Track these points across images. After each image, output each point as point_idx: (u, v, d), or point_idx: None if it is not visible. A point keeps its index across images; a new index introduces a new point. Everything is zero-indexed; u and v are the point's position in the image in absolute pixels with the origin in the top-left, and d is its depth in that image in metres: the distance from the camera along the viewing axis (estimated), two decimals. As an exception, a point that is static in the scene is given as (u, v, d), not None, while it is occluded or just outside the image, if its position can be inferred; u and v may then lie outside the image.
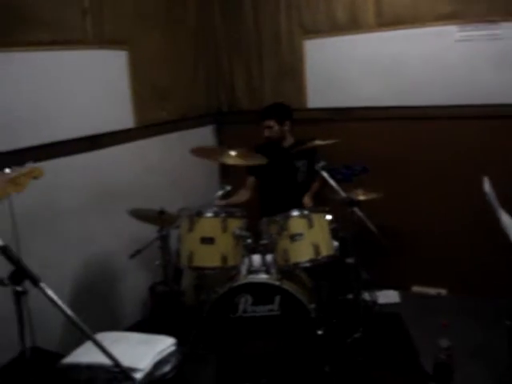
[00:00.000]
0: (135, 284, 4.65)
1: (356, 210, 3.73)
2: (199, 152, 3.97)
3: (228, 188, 3.89)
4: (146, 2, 4.71)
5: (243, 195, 4.69)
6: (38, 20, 3.73)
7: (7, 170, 2.39)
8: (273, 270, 3.62)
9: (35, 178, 2.52)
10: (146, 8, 4.71)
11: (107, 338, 1.73)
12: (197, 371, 3.15)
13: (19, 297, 1.76)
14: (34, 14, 3.71)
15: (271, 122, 4.51)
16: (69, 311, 1.71)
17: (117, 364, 1.70)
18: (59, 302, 1.70)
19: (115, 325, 4.38)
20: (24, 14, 3.65)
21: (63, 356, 3.04)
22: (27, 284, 1.82)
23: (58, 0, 3.89)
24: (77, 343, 3.13)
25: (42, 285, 1.69)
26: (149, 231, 4.04)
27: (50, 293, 1.70)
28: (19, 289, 1.72)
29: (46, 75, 3.80)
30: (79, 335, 3.63)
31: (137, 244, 4.14)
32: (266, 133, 4.54)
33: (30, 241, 3.55)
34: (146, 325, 4.53)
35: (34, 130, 3.70)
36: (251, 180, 4.76)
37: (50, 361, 3.13)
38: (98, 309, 4.21)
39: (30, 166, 2.49)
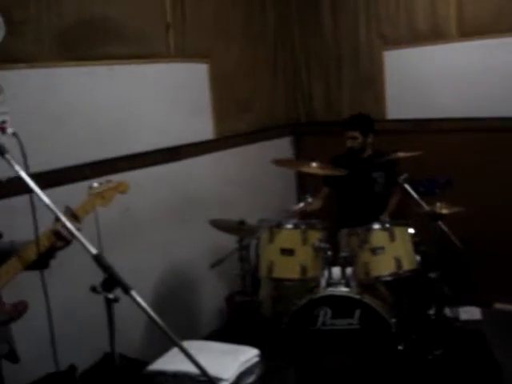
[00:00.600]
0: (212, 293, 4.69)
1: (440, 223, 3.64)
2: (280, 162, 3.98)
3: (309, 200, 3.87)
4: (226, 15, 4.78)
5: (315, 204, 4.66)
6: (121, 34, 3.85)
7: (95, 184, 2.47)
8: (353, 283, 3.57)
9: (121, 192, 2.60)
10: (226, 21, 4.78)
11: (191, 346, 1.74)
12: (276, 383, 3.14)
13: (110, 304, 1.79)
14: (118, 29, 3.83)
15: (356, 133, 4.47)
16: (158, 319, 1.73)
17: (204, 373, 1.71)
18: (149, 310, 1.73)
19: (192, 333, 4.41)
20: (108, 29, 3.78)
21: (146, 363, 3.11)
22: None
23: (142, 15, 4.01)
24: (155, 351, 3.20)
25: (133, 293, 1.72)
26: (227, 241, 4.07)
27: (140, 301, 1.72)
28: (111, 296, 1.75)
29: (129, 88, 3.91)
30: (158, 344, 3.70)
31: (215, 254, 4.19)
32: (349, 143, 4.50)
33: (112, 250, 3.63)
34: (223, 334, 4.55)
35: (116, 142, 3.81)
36: (325, 190, 4.74)
37: (133, 367, 3.20)
38: (176, 317, 4.26)
39: (117, 181, 2.57)
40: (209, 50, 4.58)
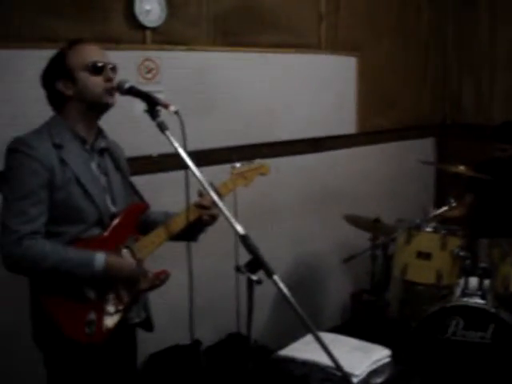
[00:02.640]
0: (338, 288, 4.67)
1: None
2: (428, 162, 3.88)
3: (453, 204, 3.74)
4: (379, 10, 4.72)
5: (458, 211, 4.48)
6: (275, 23, 3.93)
7: (237, 165, 2.51)
8: (489, 296, 3.41)
9: (262, 174, 2.62)
10: (378, 16, 4.72)
11: (324, 337, 1.73)
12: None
13: (252, 285, 1.82)
14: (272, 18, 3.91)
15: (506, 146, 4.23)
16: (297, 306, 1.74)
17: (337, 365, 1.69)
18: (290, 296, 1.74)
19: (316, 325, 4.42)
20: (262, 17, 3.86)
21: (269, 348, 3.14)
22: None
23: (297, 5, 4.06)
24: (277, 337, 3.21)
25: (276, 277, 1.74)
26: (359, 238, 4.03)
27: (282, 286, 1.73)
28: (254, 278, 1.78)
29: (279, 77, 3.97)
30: (280, 330, 3.73)
31: (346, 249, 4.15)
32: (497, 153, 4.27)
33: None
34: (346, 331, 4.51)
35: (262, 129, 3.88)
36: (469, 197, 4.54)
37: (259, 351, 3.27)
38: (301, 307, 4.28)
39: (258, 162, 2.59)
40: (359, 43, 4.54)
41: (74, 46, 2.18)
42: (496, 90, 5.22)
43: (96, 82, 2.14)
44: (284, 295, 1.73)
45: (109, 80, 2.16)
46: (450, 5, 5.40)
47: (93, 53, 2.18)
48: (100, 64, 2.15)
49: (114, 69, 2.21)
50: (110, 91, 2.16)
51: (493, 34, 5.19)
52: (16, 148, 2.07)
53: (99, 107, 2.18)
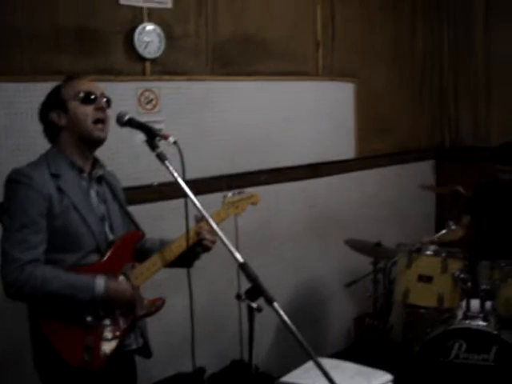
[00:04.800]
0: (341, 313, 4.67)
1: None
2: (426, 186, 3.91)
3: (453, 227, 3.76)
4: (375, 36, 4.80)
5: (456, 233, 4.49)
6: (273, 52, 4.00)
7: (229, 194, 2.56)
8: (491, 318, 3.41)
9: (253, 203, 2.66)
10: (374, 43, 4.80)
11: (326, 363, 1.74)
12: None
13: (252, 313, 1.83)
14: (270, 46, 3.98)
15: (508, 167, 4.25)
16: (298, 333, 1.75)
17: (339, 391, 1.70)
18: (290, 323, 1.75)
19: (319, 351, 4.41)
20: (261, 46, 3.93)
21: (271, 376, 3.14)
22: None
23: (294, 34, 4.14)
24: (279, 364, 3.20)
25: (276, 304, 1.75)
26: (361, 262, 4.04)
27: (282, 313, 1.75)
28: (254, 305, 1.79)
29: (278, 104, 4.02)
30: (283, 357, 3.72)
31: (348, 273, 4.17)
32: (503, 176, 4.28)
33: (248, 260, 3.73)
34: (349, 355, 4.50)
35: (261, 155, 3.92)
36: (467, 219, 4.55)
37: (261, 378, 3.26)
38: (303, 333, 4.28)
39: (249, 192, 2.64)
40: (356, 70, 4.61)
41: (69, 80, 2.25)
42: (493, 112, 5.26)
43: (86, 111, 2.19)
44: (284, 322, 1.74)
45: (99, 109, 2.21)
46: (445, 29, 5.48)
47: (86, 85, 2.24)
48: (91, 94, 2.21)
49: (108, 102, 2.26)
50: (101, 123, 2.21)
51: (488, 57, 5.25)
52: (15, 179, 2.12)
53: (90, 141, 2.22)
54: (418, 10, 5.21)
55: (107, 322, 2.17)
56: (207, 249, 2.39)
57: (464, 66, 5.43)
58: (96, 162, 2.31)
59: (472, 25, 5.31)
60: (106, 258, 2.21)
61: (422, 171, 5.48)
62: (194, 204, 1.90)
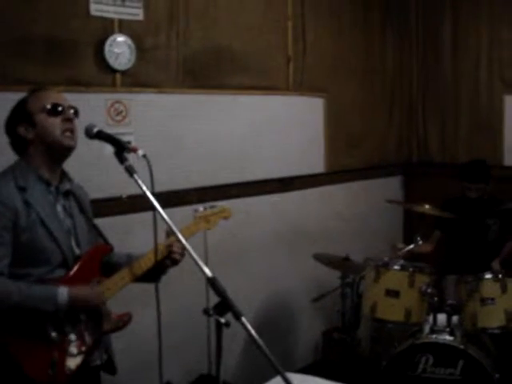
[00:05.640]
0: (310, 327, 4.67)
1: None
2: (394, 201, 3.95)
3: (420, 242, 3.80)
4: (345, 52, 4.85)
5: (426, 247, 4.54)
6: (244, 66, 4.01)
7: (201, 209, 2.56)
8: (458, 333, 3.45)
9: (225, 218, 2.66)
10: (345, 58, 4.84)
11: (293, 378, 1.73)
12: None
13: (221, 328, 1.82)
14: (241, 60, 3.98)
15: (481, 185, 4.31)
16: (266, 348, 1.74)
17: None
18: (257, 338, 1.74)
19: (286, 365, 4.40)
20: (232, 60, 3.94)
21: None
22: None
23: (265, 48, 4.16)
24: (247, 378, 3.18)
25: (243, 319, 1.75)
26: (329, 276, 4.05)
27: (250, 328, 1.74)
28: (222, 320, 1.79)
29: (248, 118, 4.03)
30: (251, 371, 3.71)
31: (317, 287, 4.18)
32: (469, 193, 4.34)
33: (217, 273, 3.72)
34: (318, 370, 4.50)
35: (232, 169, 3.92)
36: (437, 234, 4.60)
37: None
38: (271, 347, 4.27)
39: (221, 206, 2.64)
40: (326, 84, 4.64)
41: (35, 93, 2.23)
42: (460, 129, 5.34)
43: (54, 123, 2.18)
44: (252, 337, 1.74)
45: (67, 120, 2.20)
46: (414, 46, 5.55)
47: (52, 97, 2.23)
48: (58, 106, 2.19)
49: (76, 112, 2.25)
50: (70, 132, 2.19)
51: (456, 75, 5.33)
52: None
53: (59, 150, 2.21)
54: (388, 27, 5.28)
55: (73, 337, 2.14)
56: (176, 262, 2.38)
57: (433, 84, 5.50)
58: (64, 176, 2.29)
59: (441, 43, 5.39)
60: (72, 273, 2.18)
61: (391, 186, 5.53)
62: (163, 218, 1.90)
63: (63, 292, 2.09)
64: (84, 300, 2.15)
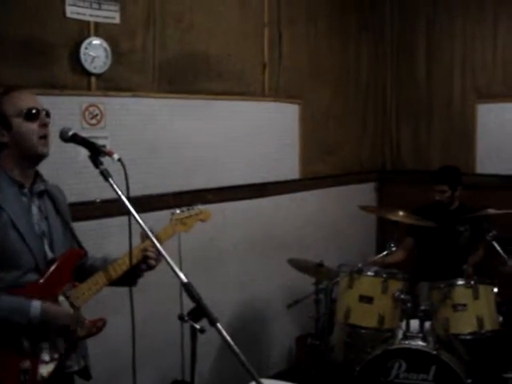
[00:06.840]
0: (284, 333, 4.67)
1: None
2: (366, 207, 3.98)
3: (393, 248, 3.83)
4: (321, 60, 4.88)
5: (398, 255, 4.57)
6: (220, 71, 4.01)
7: (177, 211, 2.54)
8: (430, 338, 3.48)
9: (202, 220, 2.64)
10: (320, 65, 4.88)
11: (268, 384, 1.74)
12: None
13: (195, 334, 1.82)
14: (217, 66, 3.98)
15: (444, 187, 4.37)
16: (241, 354, 1.74)
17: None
18: (233, 344, 1.74)
19: (261, 371, 4.40)
20: (208, 65, 3.93)
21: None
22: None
23: (241, 54, 4.16)
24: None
25: (219, 325, 1.74)
26: (303, 281, 4.06)
27: (225, 334, 1.74)
28: (197, 326, 1.78)
29: (223, 124, 4.04)
30: (226, 377, 3.69)
31: (291, 293, 4.18)
32: (437, 196, 4.40)
33: (191, 277, 3.71)
34: (291, 375, 4.50)
35: (207, 174, 3.91)
36: (409, 241, 4.64)
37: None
38: (246, 353, 4.26)
39: (198, 208, 2.62)
40: (302, 91, 4.67)
41: (8, 94, 2.19)
42: (433, 136, 5.41)
43: (31, 129, 2.15)
44: (227, 343, 1.74)
45: (44, 125, 2.18)
46: (388, 54, 5.61)
47: (27, 100, 2.19)
48: (34, 110, 2.16)
49: (48, 114, 2.23)
50: (45, 139, 2.17)
51: (430, 82, 5.40)
52: None
53: (33, 157, 2.19)
54: (363, 34, 5.33)
55: (45, 344, 2.12)
56: (151, 267, 2.36)
57: (406, 92, 5.57)
58: (37, 177, 2.26)
59: (415, 52, 5.46)
60: (44, 278, 2.15)
61: (364, 193, 5.57)
62: (138, 222, 1.89)
63: (36, 306, 2.06)
64: (56, 317, 2.12)
